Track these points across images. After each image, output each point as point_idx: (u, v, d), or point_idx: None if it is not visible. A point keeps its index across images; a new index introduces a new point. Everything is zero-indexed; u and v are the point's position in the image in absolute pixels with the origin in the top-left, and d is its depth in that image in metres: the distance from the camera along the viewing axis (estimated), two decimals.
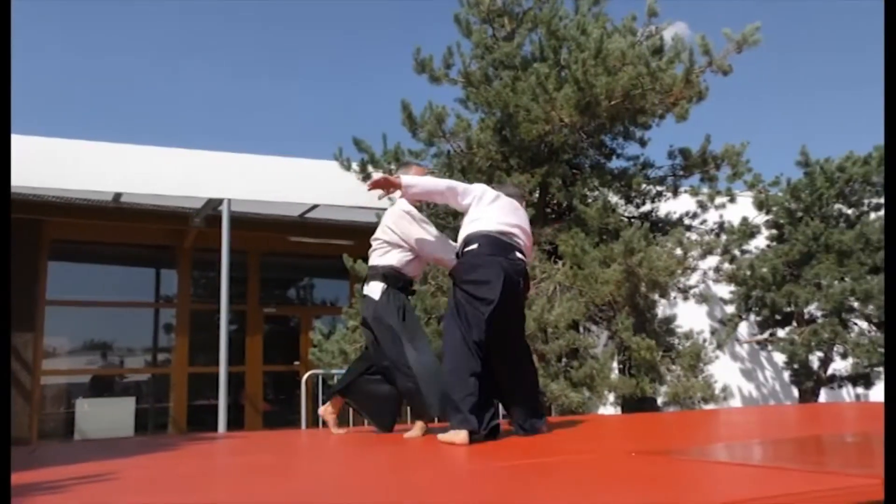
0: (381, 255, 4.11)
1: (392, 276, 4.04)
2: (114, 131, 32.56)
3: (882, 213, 10.30)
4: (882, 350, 9.33)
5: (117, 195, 9.26)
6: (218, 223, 8.90)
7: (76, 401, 10.42)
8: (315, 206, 9.93)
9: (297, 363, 11.14)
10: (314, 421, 8.00)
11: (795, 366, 10.03)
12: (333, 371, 7.20)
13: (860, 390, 10.51)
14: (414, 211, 4.06)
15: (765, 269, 9.75)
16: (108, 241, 10.77)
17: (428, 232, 4.05)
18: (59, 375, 10.52)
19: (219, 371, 8.37)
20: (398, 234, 4.03)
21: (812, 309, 10.01)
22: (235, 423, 10.05)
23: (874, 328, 9.73)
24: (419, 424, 4.00)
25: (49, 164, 8.37)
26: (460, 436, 3.43)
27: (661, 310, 8.48)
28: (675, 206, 8.67)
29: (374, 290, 4.04)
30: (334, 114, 32.14)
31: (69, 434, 10.07)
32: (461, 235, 3.74)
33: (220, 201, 8.96)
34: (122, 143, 9.30)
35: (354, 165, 8.26)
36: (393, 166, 8.19)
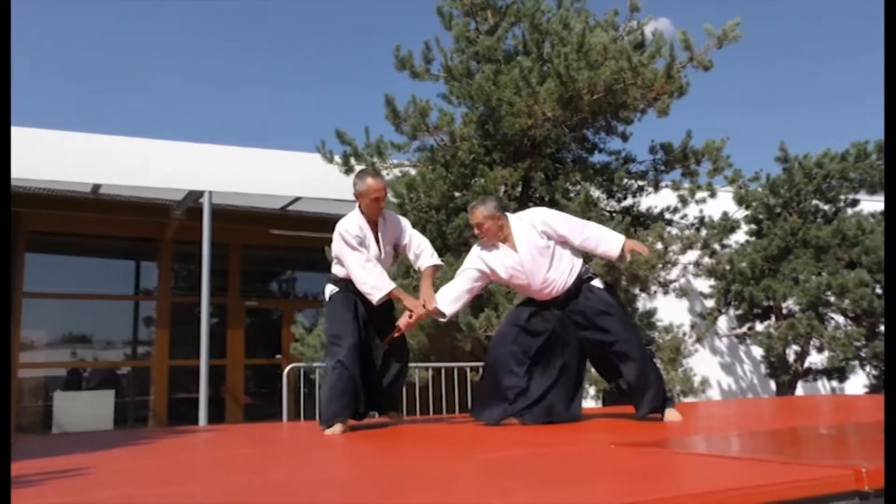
0: (335, 264, 4.26)
1: (341, 281, 4.19)
2: (93, 122, 32.18)
3: (858, 208, 10.45)
4: (857, 344, 9.47)
5: (96, 186, 9.15)
6: (199, 215, 8.83)
7: (54, 394, 10.31)
8: (297, 199, 9.88)
9: (278, 356, 11.09)
10: (295, 414, 7.99)
11: (773, 359, 10.16)
12: (315, 364, 7.18)
13: (835, 383, 10.67)
14: (348, 233, 4.05)
15: (744, 264, 9.86)
16: (86, 233, 10.65)
17: (352, 257, 4.04)
18: (36, 368, 10.40)
19: (200, 364, 8.33)
20: (334, 251, 4.17)
21: (790, 303, 10.13)
22: (216, 416, 10.00)
23: (850, 322, 9.88)
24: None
25: (26, 155, 8.25)
26: None
27: (642, 303, 8.55)
28: (656, 200, 8.72)
29: (327, 292, 4.28)
30: (317, 106, 31.98)
31: (47, 427, 9.97)
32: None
33: (201, 193, 8.88)
34: (102, 134, 9.20)
35: (337, 158, 8.23)
36: (375, 159, 8.17)
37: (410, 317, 4.05)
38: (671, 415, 3.99)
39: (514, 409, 3.98)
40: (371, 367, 4.17)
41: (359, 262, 4.01)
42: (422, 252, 4.19)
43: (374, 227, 4.14)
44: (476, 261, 4.06)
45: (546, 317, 4.03)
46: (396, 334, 4.11)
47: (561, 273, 3.95)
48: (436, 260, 4.17)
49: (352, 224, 4.07)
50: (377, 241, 4.14)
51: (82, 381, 10.88)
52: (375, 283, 3.99)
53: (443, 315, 4.06)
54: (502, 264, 3.99)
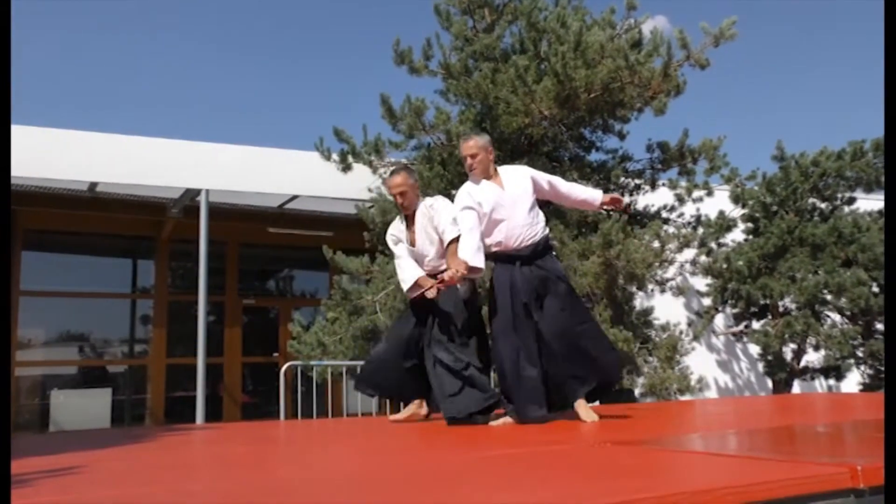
0: None
1: None
2: (90, 120, 32.11)
3: (854, 206, 10.47)
4: (853, 342, 9.49)
5: (93, 185, 9.14)
6: (196, 213, 8.83)
7: (51, 392, 10.30)
8: (295, 197, 9.87)
9: (275, 355, 11.10)
10: (293, 412, 8.00)
11: (769, 357, 10.18)
12: (312, 363, 7.18)
13: (832, 382, 10.69)
14: (388, 235, 4.46)
15: (740, 262, 9.87)
16: (83, 232, 10.64)
17: (395, 258, 4.41)
18: (33, 367, 10.38)
19: (197, 362, 8.32)
20: None
21: (786, 301, 10.15)
22: (213, 414, 10.00)
23: (846, 321, 9.90)
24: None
25: (23, 153, 8.23)
26: None
27: (639, 302, 8.56)
28: (653, 199, 8.74)
29: None
30: (315, 104, 31.94)
31: (44, 426, 9.96)
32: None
33: (198, 191, 8.88)
34: (99, 132, 9.18)
35: (335, 156, 8.22)
36: (373, 157, 8.17)
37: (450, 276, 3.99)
38: (587, 413, 3.91)
39: (544, 401, 3.94)
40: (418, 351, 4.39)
41: (396, 261, 4.35)
42: (443, 231, 4.22)
43: (411, 219, 4.33)
44: (466, 198, 4.06)
45: (521, 285, 3.98)
46: (439, 284, 4.05)
47: (537, 223, 4.11)
48: (454, 232, 4.12)
49: (392, 225, 4.44)
50: (411, 234, 4.33)
51: (79, 379, 10.87)
52: (404, 277, 4.25)
53: (480, 269, 3.99)
54: (486, 197, 4.04)
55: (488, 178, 4.09)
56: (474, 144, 4.09)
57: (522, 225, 4.01)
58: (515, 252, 4.01)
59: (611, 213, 8.20)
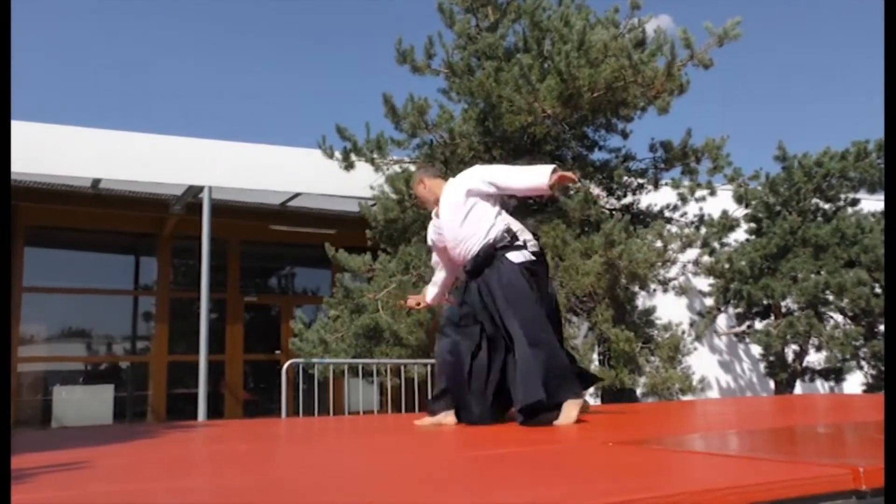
0: None
1: None
2: (93, 116, 32.15)
3: (858, 207, 10.44)
4: (856, 343, 9.48)
5: (96, 181, 9.15)
6: (198, 211, 8.83)
7: (53, 388, 10.32)
8: (297, 195, 9.88)
9: (277, 352, 11.11)
10: (294, 410, 8.01)
11: (771, 358, 10.17)
12: (314, 360, 7.19)
13: (833, 383, 10.69)
14: None
15: (743, 262, 9.86)
16: (86, 228, 10.66)
17: None
18: (35, 363, 10.41)
19: (199, 359, 8.33)
20: None
21: (788, 302, 10.14)
22: (215, 412, 10.02)
23: (848, 321, 9.88)
24: None
25: (25, 149, 8.25)
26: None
27: (641, 301, 8.56)
28: (655, 198, 8.73)
29: None
30: (318, 101, 31.95)
31: (46, 422, 9.98)
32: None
33: (200, 188, 8.88)
34: (102, 129, 9.19)
35: (337, 154, 8.22)
36: (375, 155, 8.17)
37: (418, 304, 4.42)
38: (566, 414, 3.65)
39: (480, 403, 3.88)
40: None
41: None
42: None
43: None
44: (429, 235, 4.16)
45: (470, 297, 3.87)
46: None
47: (473, 233, 3.74)
48: None
49: None
50: None
51: (81, 375, 10.89)
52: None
53: (428, 304, 4.36)
54: (433, 229, 4.01)
55: (436, 206, 3.98)
56: (413, 184, 4.09)
57: (455, 246, 3.84)
58: (465, 269, 3.90)
59: (613, 212, 8.21)
